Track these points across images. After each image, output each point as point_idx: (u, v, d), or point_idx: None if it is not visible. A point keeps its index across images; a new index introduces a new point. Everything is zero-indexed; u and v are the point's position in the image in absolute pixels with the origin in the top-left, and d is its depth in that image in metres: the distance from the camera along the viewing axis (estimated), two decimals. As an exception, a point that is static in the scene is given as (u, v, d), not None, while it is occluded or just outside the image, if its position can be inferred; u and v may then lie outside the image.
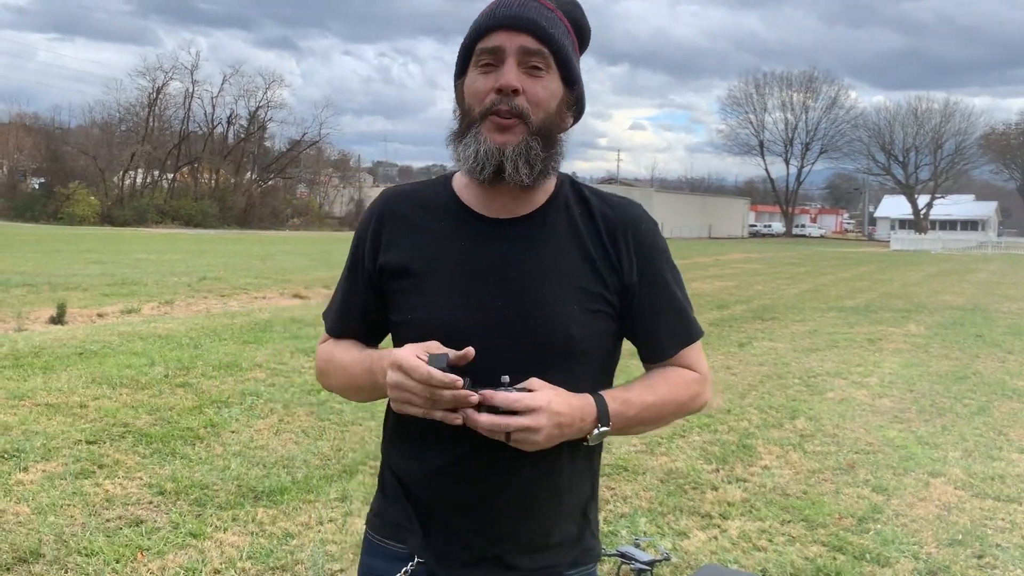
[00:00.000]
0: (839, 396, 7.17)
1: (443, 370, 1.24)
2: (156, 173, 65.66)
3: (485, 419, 1.25)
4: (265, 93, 70.66)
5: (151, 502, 4.20)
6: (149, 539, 3.76)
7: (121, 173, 62.73)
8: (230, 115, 72.13)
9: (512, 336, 1.36)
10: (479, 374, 1.27)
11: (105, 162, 61.01)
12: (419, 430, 1.39)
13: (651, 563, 3.52)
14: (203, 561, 3.57)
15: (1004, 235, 76.65)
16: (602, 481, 4.73)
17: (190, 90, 67.74)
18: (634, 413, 1.39)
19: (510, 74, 1.33)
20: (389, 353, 1.34)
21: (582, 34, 1.45)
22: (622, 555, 3.58)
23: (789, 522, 4.22)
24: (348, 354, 1.50)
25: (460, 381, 1.24)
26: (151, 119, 66.33)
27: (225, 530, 3.89)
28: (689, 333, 1.49)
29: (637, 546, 3.73)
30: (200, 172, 68.46)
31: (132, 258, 21.95)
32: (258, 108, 70.78)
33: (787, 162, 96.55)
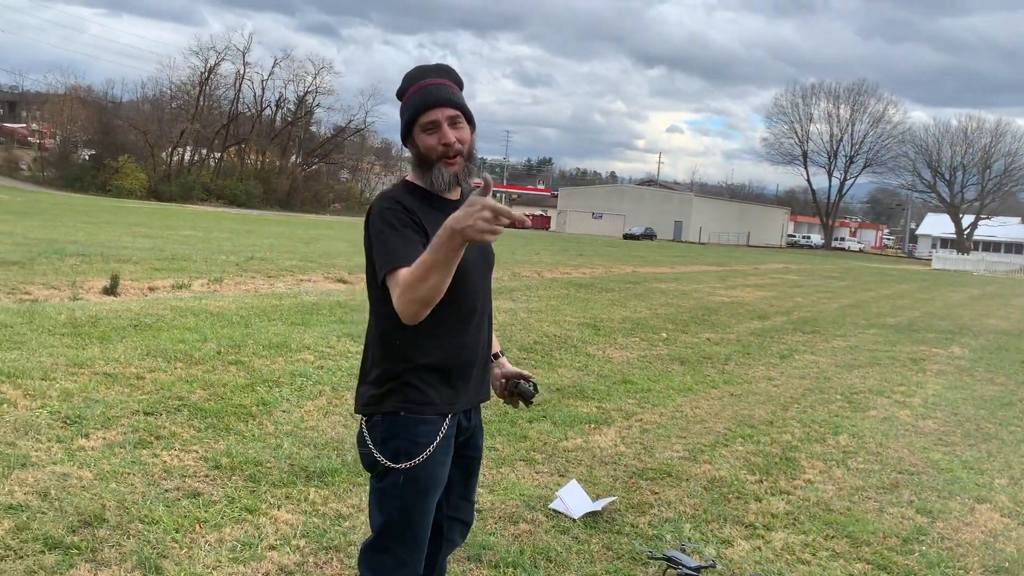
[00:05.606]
0: (882, 414, 7.13)
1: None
2: (204, 151, 66.63)
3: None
4: (314, 79, 71.50)
5: (207, 475, 4.32)
6: (206, 511, 3.86)
7: (170, 149, 63.77)
8: (279, 98, 73.08)
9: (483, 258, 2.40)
10: (473, 267, 2.27)
11: (155, 137, 62.04)
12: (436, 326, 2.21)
13: (698, 569, 3.56)
14: (259, 536, 3.66)
15: (1051, 260, 75.04)
16: (645, 485, 4.80)
17: (241, 71, 68.69)
18: None
19: (449, 135, 2.25)
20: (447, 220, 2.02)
21: (461, 84, 2.35)
22: (668, 559, 3.63)
23: (833, 537, 4.23)
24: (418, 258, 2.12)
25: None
26: (202, 98, 67.30)
27: (279, 507, 3.99)
28: None
29: (683, 551, 3.77)
30: (247, 153, 69.39)
31: (180, 234, 22.33)
32: (306, 93, 71.62)
33: (830, 174, 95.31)
